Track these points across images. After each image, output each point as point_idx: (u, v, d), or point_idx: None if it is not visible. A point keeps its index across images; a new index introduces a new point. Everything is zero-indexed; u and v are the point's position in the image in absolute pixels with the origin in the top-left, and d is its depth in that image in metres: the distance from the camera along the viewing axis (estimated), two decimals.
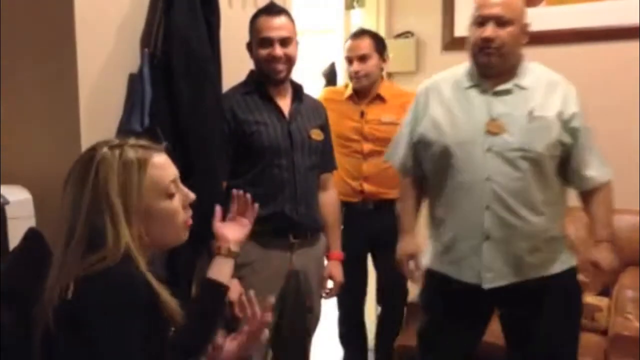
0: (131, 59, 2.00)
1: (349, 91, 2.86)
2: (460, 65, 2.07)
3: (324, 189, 2.36)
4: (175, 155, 1.93)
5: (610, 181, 2.01)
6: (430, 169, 2.06)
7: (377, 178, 2.78)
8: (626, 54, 2.97)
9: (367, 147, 2.78)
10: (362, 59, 2.75)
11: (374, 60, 2.77)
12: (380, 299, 3.03)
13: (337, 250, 2.39)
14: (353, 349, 3.05)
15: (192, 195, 1.33)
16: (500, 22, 1.89)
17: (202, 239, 2.06)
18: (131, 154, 1.24)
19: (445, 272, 2.05)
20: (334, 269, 2.36)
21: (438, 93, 2.06)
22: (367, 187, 2.79)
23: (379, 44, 2.81)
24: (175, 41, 1.97)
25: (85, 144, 1.88)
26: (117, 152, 1.24)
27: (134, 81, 1.99)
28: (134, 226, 1.22)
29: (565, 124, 1.93)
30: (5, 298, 1.22)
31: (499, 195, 1.91)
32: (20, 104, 1.98)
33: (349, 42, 2.82)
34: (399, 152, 2.17)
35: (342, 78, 3.58)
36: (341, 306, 2.99)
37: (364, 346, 3.06)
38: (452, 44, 3.45)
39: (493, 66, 1.93)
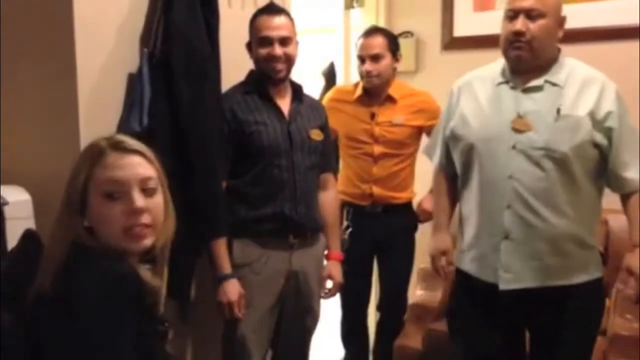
0: (130, 59, 2.00)
1: (359, 91, 2.76)
2: (497, 61, 2.02)
3: (324, 189, 2.35)
4: (174, 155, 1.94)
5: None
6: (459, 165, 2.04)
7: (387, 181, 2.72)
8: (625, 54, 2.97)
9: (377, 149, 2.71)
10: (375, 58, 2.66)
11: (386, 60, 2.68)
12: (380, 306, 2.99)
13: (336, 251, 2.39)
14: (354, 349, 3.04)
15: (137, 204, 1.21)
16: (532, 15, 1.84)
17: (202, 239, 2.08)
18: (97, 148, 1.25)
19: (467, 270, 2.03)
20: (334, 269, 2.36)
21: (470, 89, 2.03)
22: (376, 190, 2.72)
23: (392, 43, 2.72)
24: (175, 41, 1.97)
25: (85, 144, 1.86)
26: (93, 143, 1.26)
27: (133, 81, 1.98)
28: (75, 218, 1.22)
29: (599, 124, 1.85)
30: (4, 299, 1.22)
31: (520, 194, 1.86)
32: (19, 104, 1.98)
33: (361, 40, 2.72)
34: (435, 148, 2.16)
35: (341, 78, 3.57)
36: (344, 307, 2.95)
37: (365, 348, 3.04)
38: (452, 43, 3.45)
39: (524, 61, 1.88)
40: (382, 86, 2.70)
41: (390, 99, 2.73)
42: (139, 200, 1.22)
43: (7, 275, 1.27)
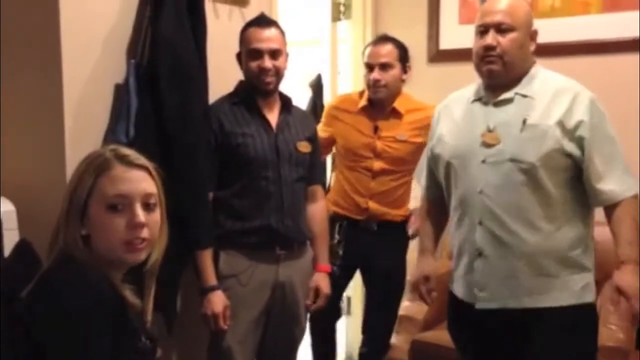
0: (117, 70, 2.00)
1: (364, 102, 2.63)
2: (475, 82, 2.01)
3: (313, 201, 2.34)
4: (161, 166, 1.94)
5: (636, 196, 1.81)
6: (443, 185, 2.02)
7: (384, 197, 2.63)
8: (623, 67, 2.98)
9: (378, 165, 2.60)
10: (384, 67, 2.55)
11: (396, 70, 2.57)
12: (364, 329, 2.86)
13: (324, 263, 2.37)
14: (321, 358, 2.91)
15: (139, 218, 1.24)
16: (501, 29, 1.83)
17: (188, 249, 2.07)
18: (101, 158, 1.26)
19: (452, 289, 2.01)
20: (322, 281, 2.34)
21: (448, 110, 2.03)
22: (372, 205, 2.62)
23: (403, 53, 2.61)
24: (162, 51, 1.98)
25: (70, 155, 1.87)
26: (97, 153, 1.28)
27: (120, 91, 1.98)
28: (75, 226, 1.23)
29: (570, 133, 1.79)
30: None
31: (490, 210, 1.83)
32: (4, 115, 1.96)
33: (370, 48, 2.62)
34: (422, 171, 2.14)
35: (328, 90, 3.58)
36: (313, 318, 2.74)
37: (331, 356, 2.93)
38: (438, 56, 3.49)
39: (496, 75, 1.86)
40: (388, 98, 2.59)
41: (396, 113, 2.62)
42: (141, 215, 1.25)
43: (4, 285, 1.27)
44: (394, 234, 2.69)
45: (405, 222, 2.69)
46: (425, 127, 2.60)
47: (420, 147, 2.63)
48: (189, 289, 2.20)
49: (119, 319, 1.20)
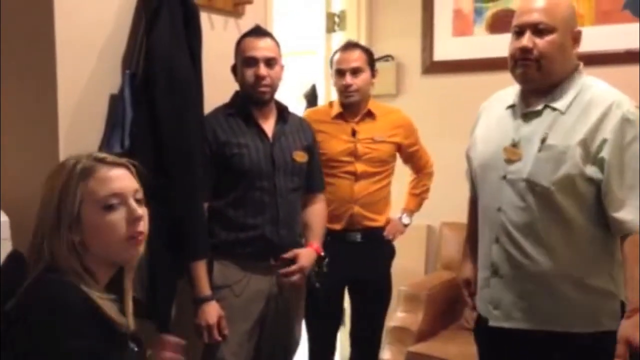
0: (112, 80, 2.00)
1: (337, 108, 2.66)
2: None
3: (312, 204, 2.34)
4: (156, 177, 1.93)
5: None
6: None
7: (367, 200, 2.62)
8: (616, 79, 2.99)
9: (360, 167, 2.60)
10: (355, 72, 2.57)
11: (366, 74, 2.60)
12: (352, 341, 2.83)
13: (316, 244, 2.29)
14: None
15: (138, 212, 1.27)
16: (539, 30, 1.68)
17: (183, 259, 2.06)
18: (83, 163, 1.26)
19: (475, 300, 1.94)
20: (304, 253, 2.21)
21: (488, 110, 1.91)
22: (357, 210, 2.60)
23: (370, 58, 2.66)
24: (157, 62, 1.97)
25: None
26: (72, 162, 1.27)
27: (115, 102, 1.98)
28: (67, 236, 1.23)
29: (593, 155, 1.63)
30: None
31: (506, 228, 1.74)
32: None
33: (339, 54, 2.64)
34: (468, 172, 2.02)
35: (323, 100, 3.60)
36: (313, 339, 2.71)
37: None
38: (432, 67, 3.51)
39: (530, 79, 1.72)
40: (360, 103, 2.63)
41: (370, 115, 2.66)
42: (138, 209, 1.28)
43: None
44: (378, 244, 2.69)
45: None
46: (400, 127, 2.69)
47: (398, 147, 2.69)
48: (183, 299, 2.19)
49: (105, 334, 1.20)
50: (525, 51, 1.69)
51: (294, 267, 2.18)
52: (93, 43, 1.97)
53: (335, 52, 2.70)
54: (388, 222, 2.73)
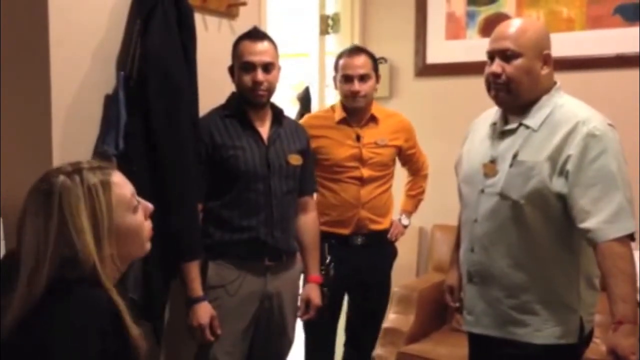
0: (107, 81, 2.00)
1: (340, 114, 2.65)
2: None
3: (304, 212, 2.35)
4: (150, 178, 1.94)
5: (627, 238, 1.68)
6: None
7: (373, 204, 2.64)
8: (607, 83, 3.00)
9: (366, 172, 2.61)
10: (363, 78, 2.57)
11: (372, 81, 2.61)
12: (347, 340, 2.85)
13: (315, 274, 2.37)
14: None
15: (151, 206, 1.35)
16: (507, 56, 1.79)
17: (176, 260, 2.07)
18: (91, 177, 1.25)
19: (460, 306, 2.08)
20: (312, 292, 2.34)
21: (475, 128, 2.02)
22: (364, 213, 2.61)
23: (375, 63, 2.66)
24: (151, 63, 1.98)
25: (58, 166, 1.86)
26: (77, 178, 1.23)
27: (109, 103, 1.98)
28: (105, 249, 1.22)
29: (560, 171, 1.73)
30: None
31: (480, 240, 1.86)
32: None
33: (345, 59, 2.61)
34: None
35: (316, 102, 3.60)
36: (310, 341, 2.76)
37: None
38: (425, 70, 3.53)
39: (503, 102, 1.84)
40: (366, 107, 2.64)
41: (373, 119, 2.66)
42: (149, 204, 1.35)
43: None
44: (383, 246, 2.72)
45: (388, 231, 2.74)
46: (401, 130, 2.71)
47: (399, 150, 2.70)
48: (177, 299, 2.20)
49: (117, 335, 1.20)
50: (495, 76, 1.82)
51: (311, 313, 2.34)
52: (87, 44, 1.97)
53: (341, 56, 2.67)
54: (392, 224, 2.76)
